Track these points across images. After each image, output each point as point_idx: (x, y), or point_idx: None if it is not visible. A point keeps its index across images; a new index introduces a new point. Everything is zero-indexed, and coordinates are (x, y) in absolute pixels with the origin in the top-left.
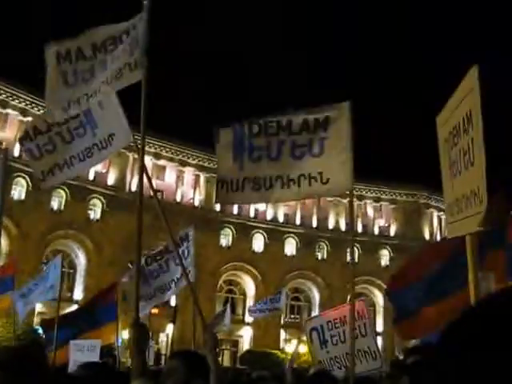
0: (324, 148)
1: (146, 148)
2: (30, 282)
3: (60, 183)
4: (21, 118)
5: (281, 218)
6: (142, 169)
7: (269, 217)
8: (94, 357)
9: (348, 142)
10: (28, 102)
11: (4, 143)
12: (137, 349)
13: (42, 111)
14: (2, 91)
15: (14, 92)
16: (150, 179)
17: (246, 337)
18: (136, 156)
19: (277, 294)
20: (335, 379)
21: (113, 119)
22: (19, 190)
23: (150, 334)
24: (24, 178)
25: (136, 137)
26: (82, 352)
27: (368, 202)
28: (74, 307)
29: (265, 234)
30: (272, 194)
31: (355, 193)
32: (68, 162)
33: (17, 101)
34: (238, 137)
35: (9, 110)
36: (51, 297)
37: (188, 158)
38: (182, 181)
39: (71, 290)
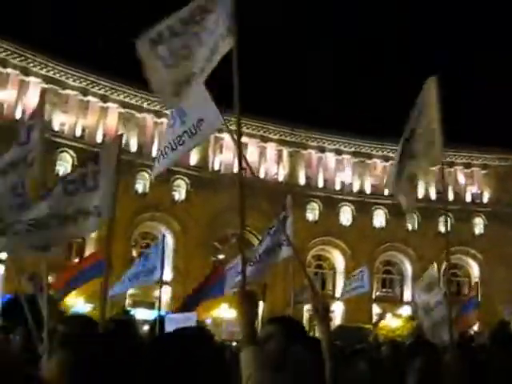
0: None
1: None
2: (134, 264)
3: (160, 173)
4: (101, 104)
5: (368, 190)
6: (240, 147)
7: (355, 189)
8: None
9: (437, 115)
10: (108, 89)
11: (87, 130)
12: (245, 315)
13: (121, 97)
14: (82, 79)
15: (93, 79)
16: (242, 157)
17: (337, 312)
18: (217, 135)
19: (359, 274)
20: (434, 346)
21: (200, 105)
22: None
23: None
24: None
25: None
26: (177, 325)
27: (458, 168)
28: (165, 288)
29: (352, 206)
30: None
31: (444, 160)
32: (163, 152)
33: (96, 88)
34: None
35: (90, 98)
36: (154, 280)
37: (270, 133)
38: (264, 157)
39: (162, 272)
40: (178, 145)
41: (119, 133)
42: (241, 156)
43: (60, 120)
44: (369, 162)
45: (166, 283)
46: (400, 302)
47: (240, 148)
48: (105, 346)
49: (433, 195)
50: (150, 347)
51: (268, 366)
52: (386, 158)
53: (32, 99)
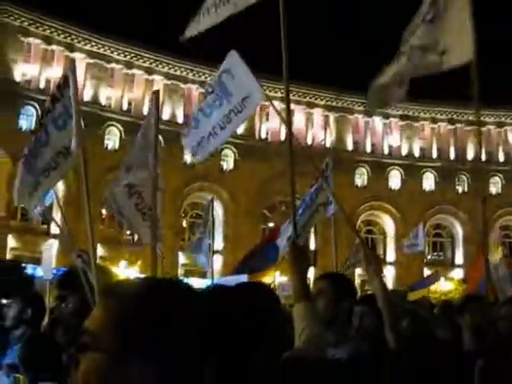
0: (440, 17)
1: (272, 93)
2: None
3: (210, 154)
4: (146, 76)
5: (416, 153)
6: (289, 114)
7: (404, 152)
8: None
9: (469, 8)
10: (152, 61)
11: (133, 104)
12: (296, 270)
13: (166, 68)
14: (126, 52)
15: (138, 52)
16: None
17: (388, 276)
18: (263, 103)
19: (415, 232)
20: (485, 301)
21: (244, 83)
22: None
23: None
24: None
25: (268, 84)
26: None
27: (509, 128)
28: (216, 257)
29: (401, 170)
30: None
31: (493, 120)
32: (212, 132)
33: (141, 60)
34: None
35: (135, 70)
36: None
37: (316, 99)
38: (311, 123)
39: (212, 240)
40: (226, 123)
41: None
42: (290, 123)
43: (106, 94)
44: (416, 124)
45: (217, 252)
46: (451, 265)
47: (289, 115)
48: (155, 295)
49: (483, 156)
50: (203, 298)
51: (320, 320)
52: (434, 120)
53: (77, 75)
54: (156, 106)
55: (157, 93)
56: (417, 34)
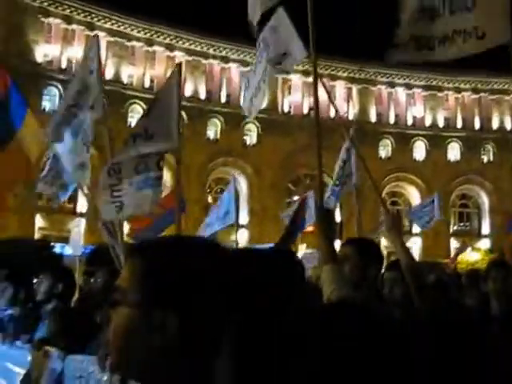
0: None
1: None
2: (211, 212)
3: (258, 111)
4: (168, 53)
5: (441, 123)
6: (316, 87)
7: (428, 123)
8: None
9: None
10: (173, 37)
11: (155, 81)
12: (323, 234)
13: (187, 45)
14: (146, 30)
15: (158, 29)
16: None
17: (414, 248)
18: (285, 76)
19: (430, 204)
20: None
21: (285, 40)
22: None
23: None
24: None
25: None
26: None
27: None
28: (242, 231)
29: (425, 141)
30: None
31: None
32: (257, 87)
33: (162, 37)
34: None
35: (155, 47)
36: (228, 223)
37: (338, 71)
38: (334, 95)
39: (236, 215)
40: (265, 76)
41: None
42: (317, 96)
43: (128, 72)
44: (440, 94)
45: (243, 226)
46: (478, 235)
47: (316, 88)
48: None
49: (508, 125)
50: (229, 257)
51: (348, 283)
52: (457, 90)
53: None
54: (179, 78)
55: (180, 65)
56: (456, 19)
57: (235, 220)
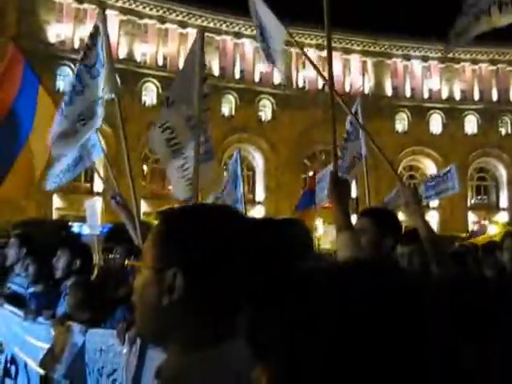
0: None
1: (307, 40)
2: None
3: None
4: (180, 30)
5: (457, 96)
6: (331, 58)
7: (444, 95)
8: None
9: None
10: (185, 14)
11: (168, 58)
12: (338, 201)
13: (199, 21)
14: (158, 7)
15: (170, 6)
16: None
17: (432, 222)
18: (298, 50)
19: (446, 175)
20: None
21: (267, 24)
22: None
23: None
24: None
25: (303, 32)
26: None
27: None
28: (258, 207)
29: (442, 113)
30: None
31: None
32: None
33: (174, 14)
34: None
35: (168, 25)
36: (237, 198)
37: (352, 44)
38: (348, 69)
39: (253, 191)
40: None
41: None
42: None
43: (141, 51)
44: (457, 66)
45: (259, 203)
46: (496, 208)
47: (330, 62)
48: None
49: None
50: (237, 223)
51: (363, 251)
52: (474, 62)
53: (111, 33)
54: (201, 43)
55: (202, 32)
56: None
57: (240, 195)
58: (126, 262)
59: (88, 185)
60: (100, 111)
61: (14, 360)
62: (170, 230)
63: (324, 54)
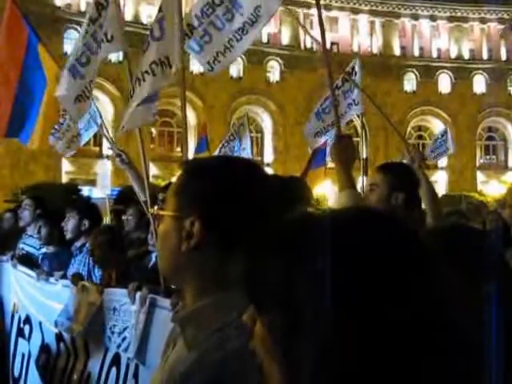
0: None
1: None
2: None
3: (226, 67)
4: None
5: (466, 55)
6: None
7: (453, 55)
8: None
9: None
10: None
11: None
12: (340, 160)
13: None
14: None
15: None
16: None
17: (440, 182)
18: (306, 11)
19: (442, 137)
20: None
21: None
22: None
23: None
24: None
25: None
26: None
27: None
28: (267, 169)
29: (450, 73)
30: None
31: None
32: (227, 45)
33: None
34: None
35: None
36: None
37: (360, 4)
38: (356, 30)
39: (261, 153)
40: (242, 35)
41: None
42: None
43: (147, 12)
44: (465, 25)
45: (268, 165)
46: (505, 168)
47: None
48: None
49: None
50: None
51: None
52: (483, 21)
53: None
54: None
55: None
56: None
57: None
58: (151, 210)
59: (97, 148)
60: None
61: (28, 320)
62: (189, 180)
63: (331, 14)
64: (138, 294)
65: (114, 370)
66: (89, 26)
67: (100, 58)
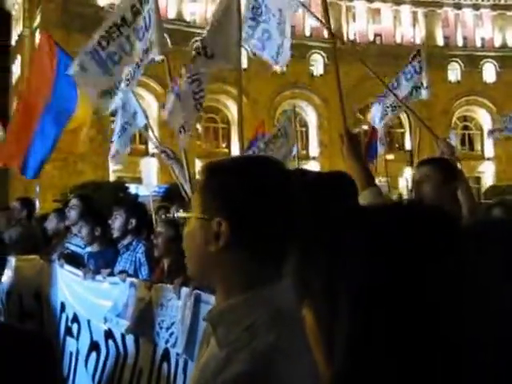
0: None
1: None
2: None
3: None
4: None
5: (510, 43)
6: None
7: (497, 43)
8: None
9: None
10: None
11: None
12: (355, 158)
13: None
14: None
15: None
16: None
17: (487, 173)
18: (348, 3)
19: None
20: None
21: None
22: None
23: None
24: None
25: None
26: None
27: None
28: (313, 163)
29: (495, 62)
30: None
31: None
32: (283, 39)
33: None
34: None
35: None
36: (292, 154)
37: None
38: (399, 21)
39: (306, 147)
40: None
41: None
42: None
43: (190, 10)
44: (509, 13)
45: (314, 158)
46: None
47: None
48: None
49: None
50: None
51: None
52: None
53: None
54: None
55: None
56: None
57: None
58: (176, 214)
59: (143, 146)
60: (138, 74)
61: (75, 319)
62: (213, 181)
63: (374, 5)
64: (183, 290)
65: (165, 365)
66: (123, 27)
67: (142, 65)
